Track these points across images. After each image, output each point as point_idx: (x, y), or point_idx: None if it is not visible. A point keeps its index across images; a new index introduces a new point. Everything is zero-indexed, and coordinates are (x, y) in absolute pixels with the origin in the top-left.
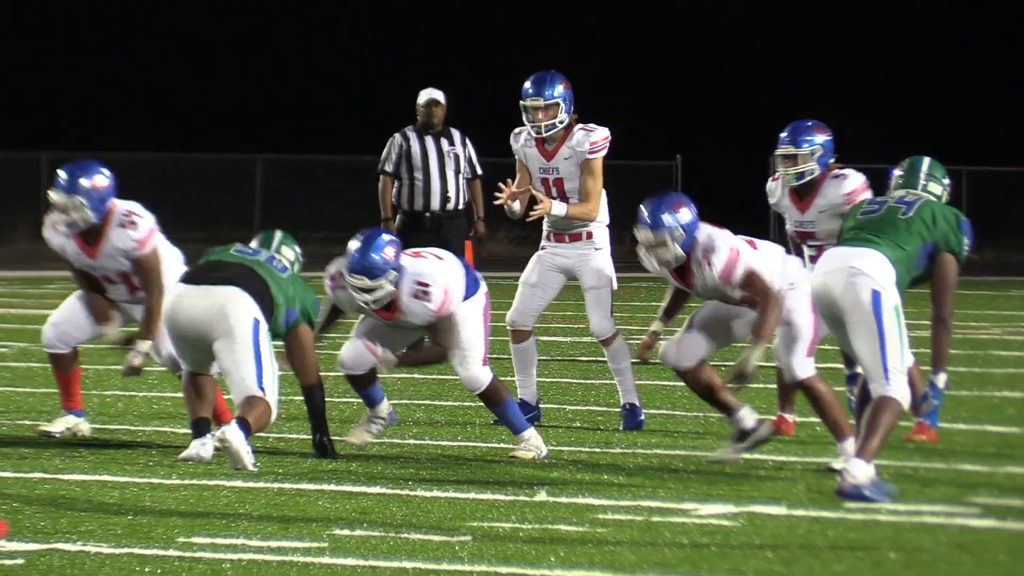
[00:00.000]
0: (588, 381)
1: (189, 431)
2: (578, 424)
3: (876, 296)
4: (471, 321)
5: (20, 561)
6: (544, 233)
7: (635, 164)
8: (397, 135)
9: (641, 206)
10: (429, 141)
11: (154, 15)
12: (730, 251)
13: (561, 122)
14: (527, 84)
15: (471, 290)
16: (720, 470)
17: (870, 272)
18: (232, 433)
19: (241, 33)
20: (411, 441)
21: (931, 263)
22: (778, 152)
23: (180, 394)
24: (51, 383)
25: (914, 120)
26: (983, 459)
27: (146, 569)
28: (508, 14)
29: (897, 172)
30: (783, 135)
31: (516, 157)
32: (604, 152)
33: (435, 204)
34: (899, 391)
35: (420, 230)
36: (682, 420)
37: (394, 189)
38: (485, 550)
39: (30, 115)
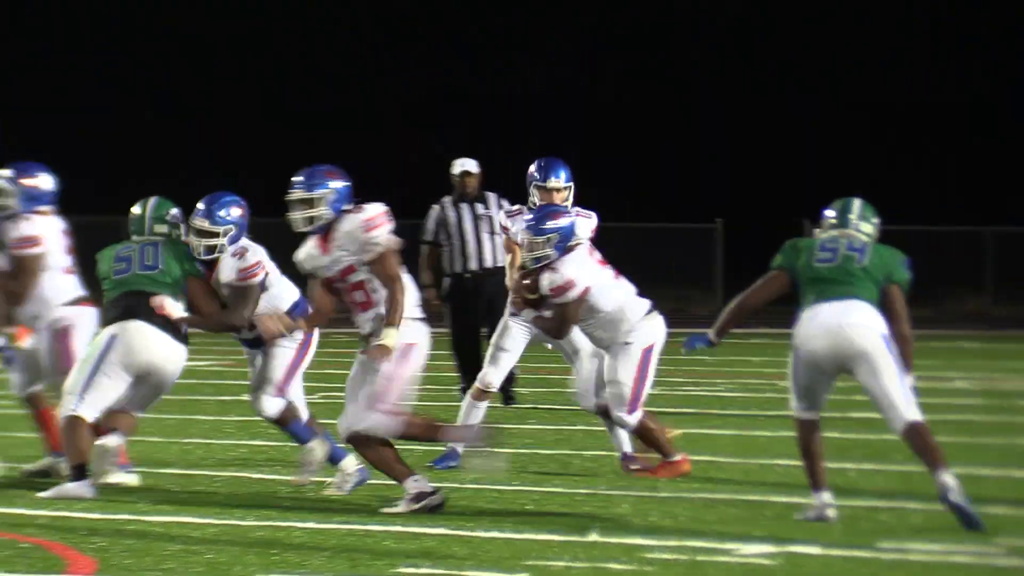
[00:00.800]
0: None
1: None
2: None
3: (885, 339)
4: (283, 354)
5: None
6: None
7: (675, 227)
8: (435, 206)
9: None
10: (464, 208)
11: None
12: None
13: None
14: (540, 169)
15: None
16: (760, 513)
17: (869, 323)
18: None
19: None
20: (471, 485)
21: (883, 296)
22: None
23: (254, 441)
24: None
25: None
26: (1010, 502)
27: None
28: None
29: (829, 213)
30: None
31: (508, 236)
32: None
33: (473, 265)
34: (918, 413)
35: (464, 290)
36: (724, 466)
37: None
38: None
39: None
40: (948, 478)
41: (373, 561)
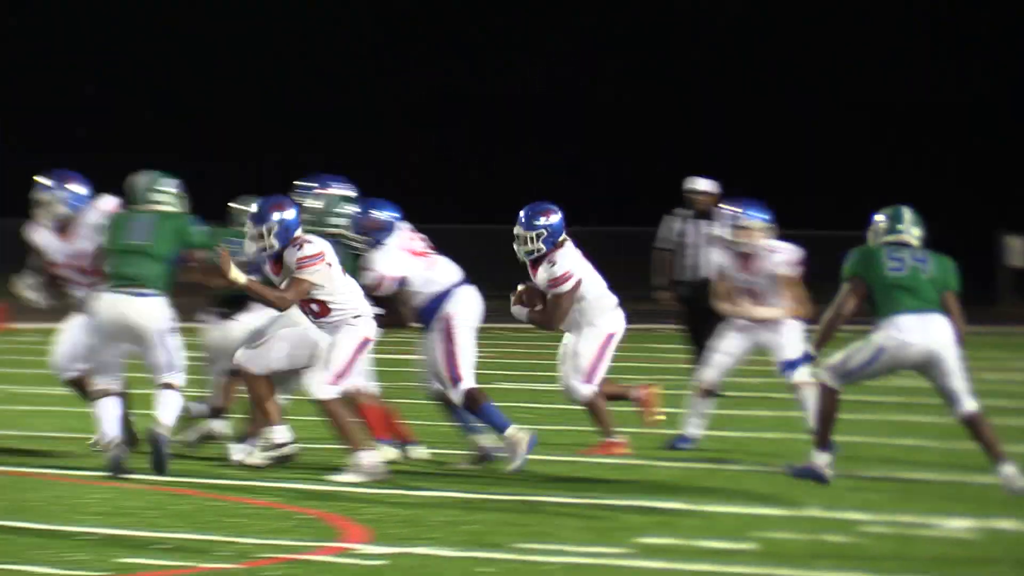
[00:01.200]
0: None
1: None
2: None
3: (956, 347)
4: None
5: (385, 562)
6: None
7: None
8: (669, 216)
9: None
10: (696, 222)
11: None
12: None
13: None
14: (736, 209)
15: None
16: (962, 492)
17: (949, 339)
18: None
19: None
20: (704, 465)
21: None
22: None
23: None
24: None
25: None
26: None
27: (482, 570)
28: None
29: (880, 218)
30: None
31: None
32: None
33: (688, 275)
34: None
35: (695, 298)
36: (927, 450)
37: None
38: (766, 556)
39: None
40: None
41: (616, 531)
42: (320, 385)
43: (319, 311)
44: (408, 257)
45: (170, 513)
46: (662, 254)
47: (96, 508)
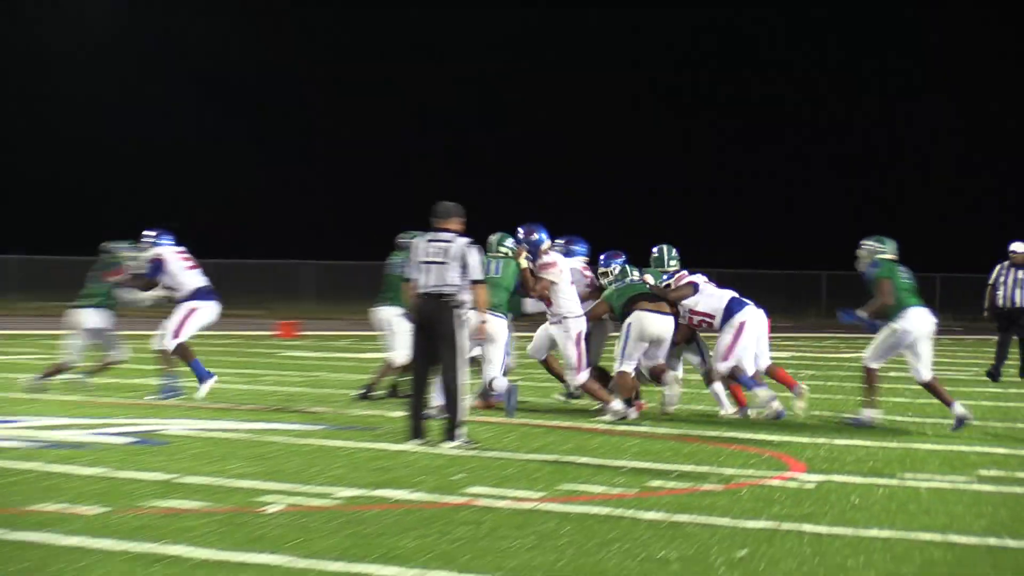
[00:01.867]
0: None
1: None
2: None
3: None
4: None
5: (815, 485)
6: None
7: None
8: (999, 266)
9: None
10: (1011, 270)
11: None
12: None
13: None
14: None
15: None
16: None
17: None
18: None
19: None
20: None
21: None
22: None
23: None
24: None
25: None
26: None
27: (877, 491)
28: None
29: (871, 243)
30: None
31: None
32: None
33: (1004, 303)
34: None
35: (1007, 318)
36: None
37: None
38: None
39: None
40: (959, 409)
41: (965, 466)
42: (576, 377)
43: (548, 303)
44: (702, 279)
45: (680, 453)
46: (989, 289)
47: (632, 450)
